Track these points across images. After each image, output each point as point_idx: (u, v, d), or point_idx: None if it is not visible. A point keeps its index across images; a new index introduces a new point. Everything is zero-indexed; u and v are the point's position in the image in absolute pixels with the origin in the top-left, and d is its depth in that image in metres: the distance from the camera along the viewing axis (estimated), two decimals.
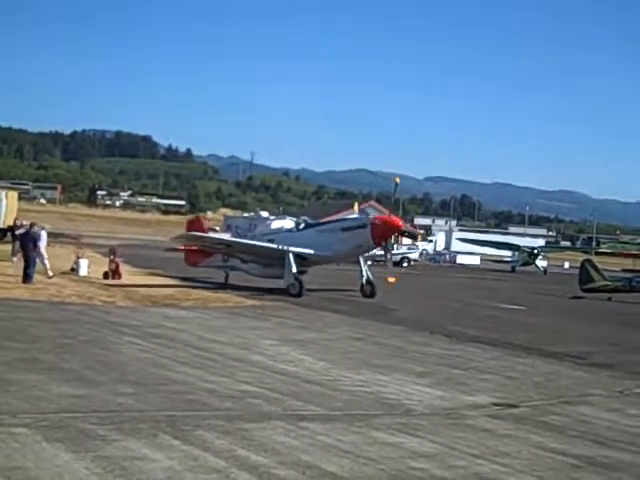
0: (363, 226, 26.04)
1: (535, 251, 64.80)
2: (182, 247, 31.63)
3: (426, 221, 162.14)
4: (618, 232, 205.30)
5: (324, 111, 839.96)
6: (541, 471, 7.89)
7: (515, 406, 11.17)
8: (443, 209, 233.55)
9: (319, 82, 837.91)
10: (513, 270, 63.28)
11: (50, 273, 24.99)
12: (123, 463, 6.48)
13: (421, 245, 66.82)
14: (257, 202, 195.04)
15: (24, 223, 31.17)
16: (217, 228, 63.13)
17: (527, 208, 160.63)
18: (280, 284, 26.32)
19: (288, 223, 28.95)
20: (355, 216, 32.04)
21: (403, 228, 29.77)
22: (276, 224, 29.72)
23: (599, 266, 38.08)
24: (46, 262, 25.24)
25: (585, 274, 37.30)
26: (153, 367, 11.37)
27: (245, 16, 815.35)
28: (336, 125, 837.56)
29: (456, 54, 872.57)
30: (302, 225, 28.15)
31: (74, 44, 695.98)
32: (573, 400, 11.95)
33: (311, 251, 25.99)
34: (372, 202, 69.66)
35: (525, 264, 63.70)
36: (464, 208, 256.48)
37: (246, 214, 64.37)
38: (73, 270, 27.69)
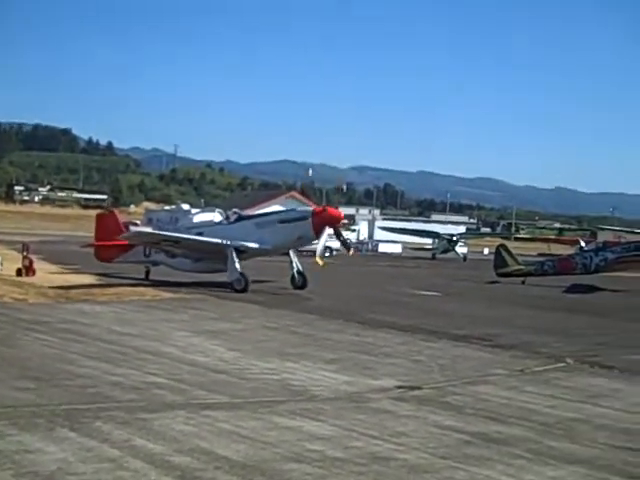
0: (304, 218, 26.01)
1: (454, 238, 65.98)
2: (96, 243, 30.40)
3: (350, 210, 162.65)
4: (537, 218, 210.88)
5: (247, 103, 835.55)
6: (435, 448, 8.20)
7: (419, 388, 11.51)
8: (367, 198, 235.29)
9: (241, 73, 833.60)
10: (434, 257, 64.25)
11: None
12: (14, 457, 6.52)
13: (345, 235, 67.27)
14: (180, 195, 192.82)
15: None
16: (138, 222, 62.74)
17: (448, 195, 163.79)
18: (207, 278, 26.40)
19: (216, 216, 28.27)
20: (294, 208, 31.50)
21: (342, 221, 29.78)
22: (202, 217, 29.21)
23: (513, 251, 39.19)
24: None
25: (500, 259, 38.26)
26: (58, 362, 11.33)
27: (166, 10, 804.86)
28: (260, 116, 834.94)
29: (378, 45, 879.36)
30: (233, 218, 27.68)
31: None
32: (475, 380, 12.37)
33: (255, 245, 25.79)
34: (294, 193, 69.98)
35: (445, 251, 64.81)
36: (388, 197, 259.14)
37: (167, 207, 64.07)
38: None
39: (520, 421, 9.75)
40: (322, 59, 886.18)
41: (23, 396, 8.93)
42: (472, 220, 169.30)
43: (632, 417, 10.26)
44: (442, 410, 10.11)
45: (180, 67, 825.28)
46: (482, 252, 77.78)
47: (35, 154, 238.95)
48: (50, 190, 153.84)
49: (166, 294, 22.81)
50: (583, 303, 28.17)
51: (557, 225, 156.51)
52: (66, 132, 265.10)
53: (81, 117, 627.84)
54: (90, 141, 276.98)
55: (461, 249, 65.96)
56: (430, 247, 68.67)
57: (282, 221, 26.31)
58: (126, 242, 28.23)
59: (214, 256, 25.83)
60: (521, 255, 42.20)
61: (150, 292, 23.01)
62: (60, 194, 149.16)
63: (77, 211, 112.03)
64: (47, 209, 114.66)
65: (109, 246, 29.08)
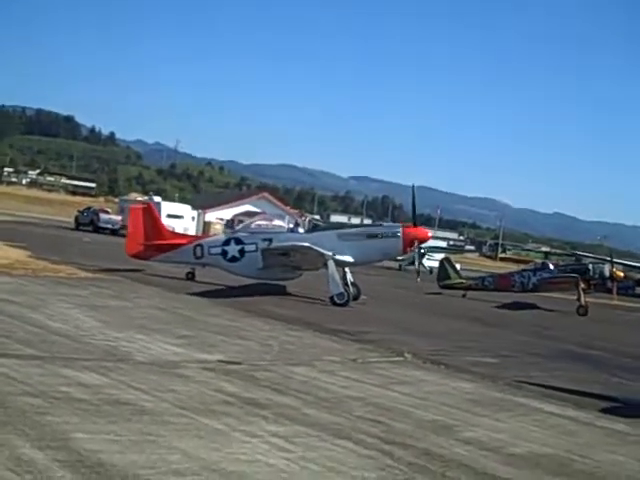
0: (394, 235, 26.02)
1: (422, 251, 66.85)
2: (149, 242, 27.20)
3: (342, 219, 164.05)
4: (530, 240, 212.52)
5: (255, 106, 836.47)
6: (183, 401, 9.19)
7: (238, 363, 12.49)
8: (366, 209, 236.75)
9: (249, 77, 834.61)
10: (400, 268, 65.33)
11: None
12: None
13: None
14: (177, 190, 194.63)
15: None
16: (109, 210, 63.76)
17: (438, 211, 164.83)
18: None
19: (283, 223, 27.82)
20: (381, 223, 30.39)
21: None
22: (262, 222, 28.11)
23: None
24: None
25: (443, 271, 39.54)
26: None
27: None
28: (266, 120, 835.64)
29: (392, 51, 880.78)
30: (308, 226, 27.62)
31: None
32: (300, 363, 13.27)
33: (351, 259, 25.87)
34: (265, 194, 71.09)
35: (412, 263, 65.65)
36: (385, 209, 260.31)
37: (139, 198, 65.27)
38: None
39: (300, 394, 10.67)
40: (328, 67, 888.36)
41: None
42: (461, 237, 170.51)
43: (408, 399, 11.22)
44: (238, 380, 11.10)
45: (191, 65, 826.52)
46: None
47: (36, 139, 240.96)
48: (39, 174, 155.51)
49: (83, 273, 23.87)
50: (498, 316, 29.26)
51: (544, 249, 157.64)
52: (69, 119, 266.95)
53: (86, 106, 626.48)
54: (93, 130, 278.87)
55: (429, 262, 66.90)
56: (400, 258, 69.71)
57: (370, 235, 26.25)
58: (175, 240, 27.63)
59: (291, 264, 25.64)
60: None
61: (68, 270, 23.99)
62: (49, 179, 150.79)
63: (63, 196, 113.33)
64: (32, 192, 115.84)
65: (153, 244, 27.26)
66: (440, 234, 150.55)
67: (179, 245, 27.29)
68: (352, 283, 26.97)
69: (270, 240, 26.01)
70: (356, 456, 7.93)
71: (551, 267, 38.43)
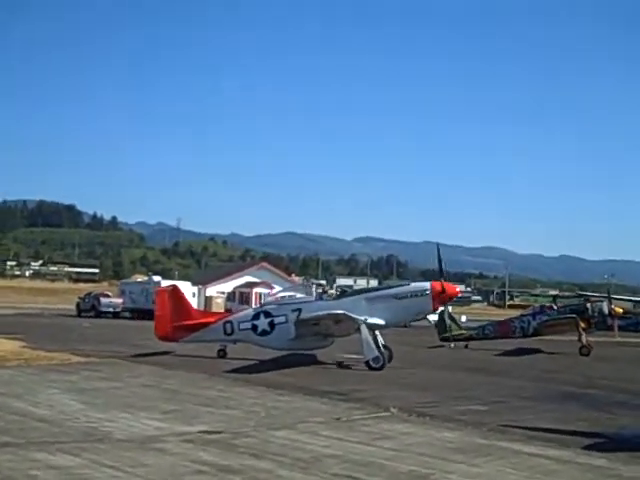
0: (423, 294, 25.91)
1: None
2: (178, 323, 27.08)
3: (347, 281, 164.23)
4: (539, 285, 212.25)
5: (252, 176, 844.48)
6: (157, 475, 9.32)
7: (219, 432, 12.57)
8: (372, 269, 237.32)
9: (245, 147, 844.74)
10: (405, 325, 65.03)
11: None
12: None
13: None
14: (182, 268, 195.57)
15: None
16: (110, 293, 64.12)
17: (443, 264, 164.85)
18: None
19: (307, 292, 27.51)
20: (408, 282, 30.13)
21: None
22: (287, 293, 28.69)
23: (456, 316, 40.41)
24: None
25: (442, 324, 39.49)
26: None
27: (167, 87, 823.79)
28: (265, 189, 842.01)
29: (380, 111, 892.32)
30: (335, 293, 27.88)
31: None
32: (283, 426, 13.33)
33: (382, 322, 25.70)
34: (264, 264, 71.41)
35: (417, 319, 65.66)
36: (391, 267, 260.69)
37: (140, 279, 65.64)
38: None
39: (277, 457, 10.74)
40: (322, 130, 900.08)
41: None
42: (468, 289, 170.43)
43: (386, 453, 11.25)
44: (215, 449, 11.18)
45: (187, 143, 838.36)
46: (459, 319, 78.60)
47: (39, 230, 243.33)
48: (42, 265, 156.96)
49: (76, 358, 23.98)
50: (498, 364, 29.14)
51: (552, 292, 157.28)
52: (70, 208, 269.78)
53: (86, 193, 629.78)
54: (95, 216, 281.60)
55: (431, 316, 66.67)
56: None
57: (399, 296, 26.09)
58: (204, 319, 27.88)
59: (323, 333, 25.55)
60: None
61: (62, 357, 24.11)
62: (52, 268, 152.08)
63: (66, 285, 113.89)
64: (36, 283, 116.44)
65: (181, 325, 27.24)
66: None
67: (208, 324, 27.34)
68: (384, 345, 26.54)
69: (299, 310, 25.94)
70: None
71: (555, 309, 38.27)
